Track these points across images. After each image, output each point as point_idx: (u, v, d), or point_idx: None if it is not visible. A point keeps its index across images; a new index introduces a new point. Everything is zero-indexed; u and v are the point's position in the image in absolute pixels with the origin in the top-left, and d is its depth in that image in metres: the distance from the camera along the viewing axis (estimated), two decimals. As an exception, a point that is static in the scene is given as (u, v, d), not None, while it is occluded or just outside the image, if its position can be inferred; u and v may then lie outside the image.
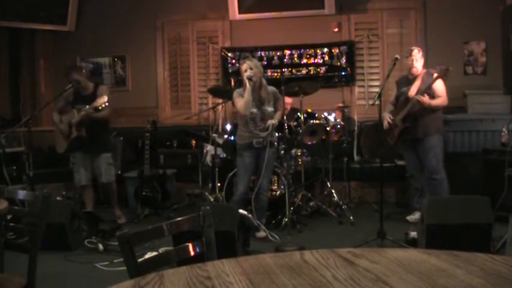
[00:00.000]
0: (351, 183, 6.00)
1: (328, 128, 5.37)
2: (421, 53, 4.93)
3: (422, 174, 5.00)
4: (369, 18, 6.82)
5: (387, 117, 4.96)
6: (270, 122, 4.56)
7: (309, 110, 5.45)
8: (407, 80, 5.02)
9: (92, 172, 5.16)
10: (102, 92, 4.98)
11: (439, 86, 4.76)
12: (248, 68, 4.51)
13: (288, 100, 5.77)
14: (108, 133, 5.27)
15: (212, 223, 1.74)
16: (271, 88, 4.72)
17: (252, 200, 4.67)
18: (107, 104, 4.69)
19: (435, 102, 4.76)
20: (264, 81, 4.69)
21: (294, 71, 6.91)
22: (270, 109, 4.63)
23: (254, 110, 4.59)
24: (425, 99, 4.69)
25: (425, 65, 5.14)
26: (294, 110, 5.72)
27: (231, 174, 5.07)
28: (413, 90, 4.85)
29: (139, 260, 1.54)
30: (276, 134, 4.90)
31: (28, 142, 5.14)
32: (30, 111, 6.80)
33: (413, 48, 4.99)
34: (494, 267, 1.33)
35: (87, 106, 4.76)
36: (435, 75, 4.73)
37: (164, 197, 5.88)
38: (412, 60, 4.88)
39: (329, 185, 5.54)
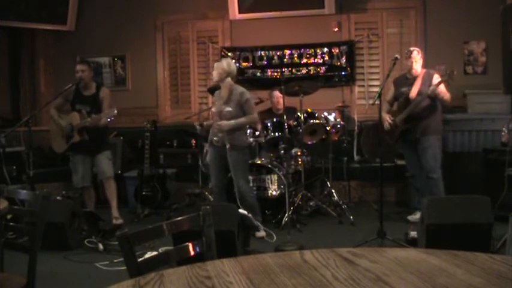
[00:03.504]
0: (350, 182, 6.00)
1: (328, 128, 5.37)
2: (420, 54, 4.92)
3: (422, 174, 5.01)
4: (369, 18, 6.81)
5: (387, 118, 4.97)
6: (217, 122, 4.61)
7: (309, 110, 5.45)
8: (407, 80, 5.01)
9: (92, 171, 5.13)
10: (106, 96, 4.98)
11: (441, 86, 4.74)
12: None
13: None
14: (107, 133, 5.28)
15: (212, 223, 1.74)
16: (239, 90, 4.65)
17: (238, 201, 4.66)
18: (115, 116, 4.70)
19: (443, 94, 4.72)
20: (228, 81, 4.60)
21: (294, 70, 6.90)
22: (226, 109, 4.60)
23: (213, 109, 4.78)
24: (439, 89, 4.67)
25: (425, 65, 5.15)
26: (288, 109, 5.71)
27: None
28: (414, 91, 4.85)
29: (139, 259, 1.54)
30: (248, 137, 4.94)
31: (28, 142, 5.13)
32: (30, 111, 6.80)
33: (412, 49, 4.97)
34: (494, 266, 1.33)
35: (93, 114, 4.77)
36: (436, 76, 4.72)
37: (164, 197, 5.88)
38: (412, 62, 4.88)
39: (329, 185, 5.54)
